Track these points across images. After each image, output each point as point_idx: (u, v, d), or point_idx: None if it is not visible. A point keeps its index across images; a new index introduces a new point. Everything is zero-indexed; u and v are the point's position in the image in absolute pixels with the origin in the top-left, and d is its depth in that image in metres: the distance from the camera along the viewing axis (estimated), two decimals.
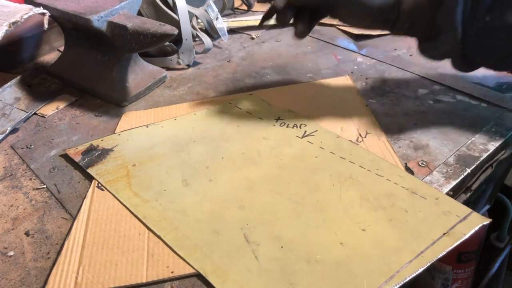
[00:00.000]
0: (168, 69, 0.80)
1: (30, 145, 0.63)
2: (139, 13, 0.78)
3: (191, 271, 0.44)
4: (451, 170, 0.55)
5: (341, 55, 0.82)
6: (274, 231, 0.48)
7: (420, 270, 0.42)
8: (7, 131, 0.65)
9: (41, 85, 0.76)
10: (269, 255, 0.45)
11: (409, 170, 0.55)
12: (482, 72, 0.74)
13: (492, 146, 0.58)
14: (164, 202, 0.52)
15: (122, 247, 0.47)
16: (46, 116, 0.69)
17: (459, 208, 0.48)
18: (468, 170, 0.55)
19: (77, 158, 0.59)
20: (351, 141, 0.59)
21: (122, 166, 0.58)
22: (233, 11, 1.01)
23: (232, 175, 0.55)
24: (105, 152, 0.60)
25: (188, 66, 0.81)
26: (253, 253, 0.45)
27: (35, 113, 0.70)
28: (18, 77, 0.73)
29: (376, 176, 0.53)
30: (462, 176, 0.54)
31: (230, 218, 0.49)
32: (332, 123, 0.63)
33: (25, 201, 0.54)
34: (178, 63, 0.80)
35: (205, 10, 0.85)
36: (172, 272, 0.44)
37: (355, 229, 0.47)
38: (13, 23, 0.61)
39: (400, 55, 0.80)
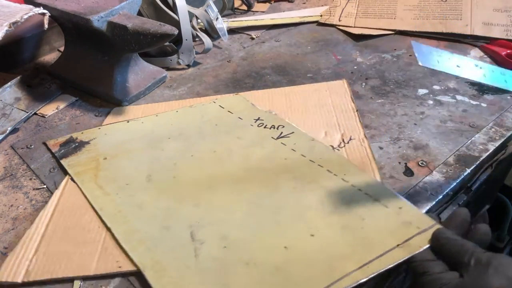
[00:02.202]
0: (168, 69, 0.80)
1: (30, 145, 0.63)
2: (139, 13, 0.78)
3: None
4: (451, 170, 0.55)
5: (341, 55, 0.82)
6: (222, 230, 0.47)
7: (362, 281, 0.41)
8: (7, 131, 0.65)
9: (41, 85, 0.76)
10: (210, 254, 0.45)
11: (409, 170, 0.55)
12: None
13: (492, 146, 0.58)
14: (123, 195, 0.53)
15: (79, 239, 0.48)
16: (46, 116, 0.69)
17: (422, 220, 0.46)
18: (468, 170, 0.55)
19: (55, 149, 0.61)
20: (332, 146, 0.58)
21: (93, 158, 0.58)
22: (233, 11, 1.01)
23: (197, 172, 0.55)
24: (81, 145, 0.61)
25: (188, 66, 0.81)
26: (195, 251, 0.45)
27: (35, 113, 0.70)
28: (18, 77, 0.73)
29: (342, 181, 0.52)
30: (462, 176, 0.54)
31: (183, 215, 0.50)
32: (316, 127, 0.62)
33: (25, 201, 0.54)
34: (178, 63, 0.80)
35: (205, 10, 0.85)
36: (120, 267, 0.44)
37: (304, 233, 0.46)
38: (13, 23, 0.61)
39: (400, 55, 0.80)
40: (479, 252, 0.40)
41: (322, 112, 0.65)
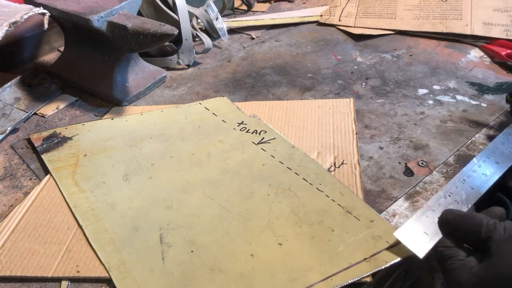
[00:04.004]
0: (168, 69, 0.80)
1: (30, 145, 0.63)
2: (139, 13, 0.78)
3: (98, 274, 0.44)
4: (451, 170, 0.55)
5: (341, 55, 0.82)
6: (190, 234, 0.47)
7: None
8: (7, 131, 0.65)
9: (41, 85, 0.76)
10: (177, 258, 0.45)
11: (409, 170, 0.55)
12: (482, 72, 0.74)
13: None
14: (98, 194, 0.53)
15: (47, 238, 0.48)
16: (46, 116, 0.69)
17: (392, 234, 0.46)
18: None
19: (37, 143, 0.61)
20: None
21: (74, 155, 0.59)
22: (233, 11, 1.01)
23: (173, 174, 0.55)
24: (63, 140, 0.61)
25: (188, 66, 0.81)
26: (162, 254, 0.45)
27: (35, 113, 0.70)
28: (18, 77, 0.73)
29: (316, 191, 0.52)
30: None
31: (153, 216, 0.50)
32: (310, 146, 0.59)
33: None
34: (178, 63, 0.80)
35: (205, 10, 0.85)
36: (78, 272, 0.44)
37: (272, 242, 0.46)
38: (13, 23, 0.61)
39: (400, 55, 0.81)
40: (493, 223, 0.40)
41: (320, 131, 0.62)
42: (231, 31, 0.92)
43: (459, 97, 0.68)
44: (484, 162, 0.52)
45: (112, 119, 0.66)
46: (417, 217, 0.46)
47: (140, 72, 0.74)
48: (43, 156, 0.59)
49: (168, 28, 0.62)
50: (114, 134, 0.63)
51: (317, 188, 0.52)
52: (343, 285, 0.41)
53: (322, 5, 1.01)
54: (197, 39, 0.85)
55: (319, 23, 0.94)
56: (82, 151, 0.60)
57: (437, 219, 0.45)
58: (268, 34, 0.92)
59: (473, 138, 0.60)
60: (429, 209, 0.46)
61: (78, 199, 0.52)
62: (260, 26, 0.94)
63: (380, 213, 0.49)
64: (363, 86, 0.72)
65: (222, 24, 0.87)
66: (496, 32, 0.81)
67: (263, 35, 0.91)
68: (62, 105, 0.72)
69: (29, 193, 0.54)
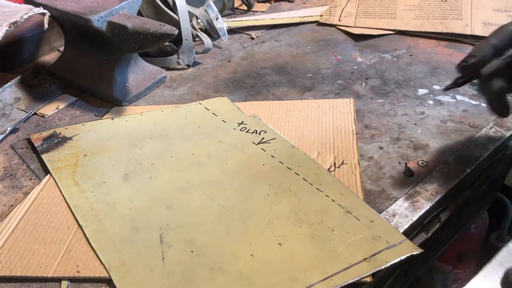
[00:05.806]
0: (168, 69, 0.80)
1: (30, 145, 0.63)
2: (139, 13, 0.78)
3: (98, 274, 0.44)
4: (451, 170, 0.55)
5: (341, 55, 0.82)
6: (190, 234, 0.47)
7: None
8: (7, 131, 0.65)
9: (41, 85, 0.76)
10: (177, 258, 0.45)
11: (409, 170, 0.55)
12: None
13: (492, 146, 0.58)
14: (98, 194, 0.53)
15: (46, 238, 0.48)
16: (46, 116, 0.69)
17: (392, 234, 0.46)
18: (468, 170, 0.55)
19: (37, 143, 0.61)
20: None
21: (74, 155, 0.59)
22: (233, 11, 1.01)
23: (173, 174, 0.55)
24: (63, 140, 0.62)
25: (188, 66, 0.81)
26: (162, 254, 0.45)
27: (35, 113, 0.70)
28: (18, 77, 0.73)
29: (316, 191, 0.52)
30: (462, 176, 0.54)
31: (153, 217, 0.50)
32: (310, 146, 0.59)
33: None
34: (178, 63, 0.80)
35: (205, 10, 0.85)
36: (78, 272, 0.44)
37: (272, 242, 0.46)
38: (13, 23, 0.61)
39: (400, 55, 0.80)
40: None
41: (320, 131, 0.62)
42: (231, 31, 0.92)
43: (459, 97, 0.68)
44: None
45: (112, 119, 0.66)
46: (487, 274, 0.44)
47: (140, 72, 0.74)
48: (43, 156, 0.59)
49: (168, 28, 0.62)
50: (114, 134, 0.63)
51: (317, 188, 0.52)
52: (343, 285, 0.41)
53: (322, 5, 1.01)
54: (197, 39, 0.85)
55: (319, 23, 0.94)
56: (82, 151, 0.60)
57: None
58: (268, 34, 0.92)
59: (473, 138, 0.60)
60: (501, 265, 0.45)
61: (78, 199, 0.52)
62: (260, 26, 0.94)
63: (380, 213, 0.49)
64: (363, 86, 0.72)
65: (222, 24, 0.87)
66: None
67: (263, 35, 0.91)
68: (62, 105, 0.72)
69: (29, 193, 0.54)
